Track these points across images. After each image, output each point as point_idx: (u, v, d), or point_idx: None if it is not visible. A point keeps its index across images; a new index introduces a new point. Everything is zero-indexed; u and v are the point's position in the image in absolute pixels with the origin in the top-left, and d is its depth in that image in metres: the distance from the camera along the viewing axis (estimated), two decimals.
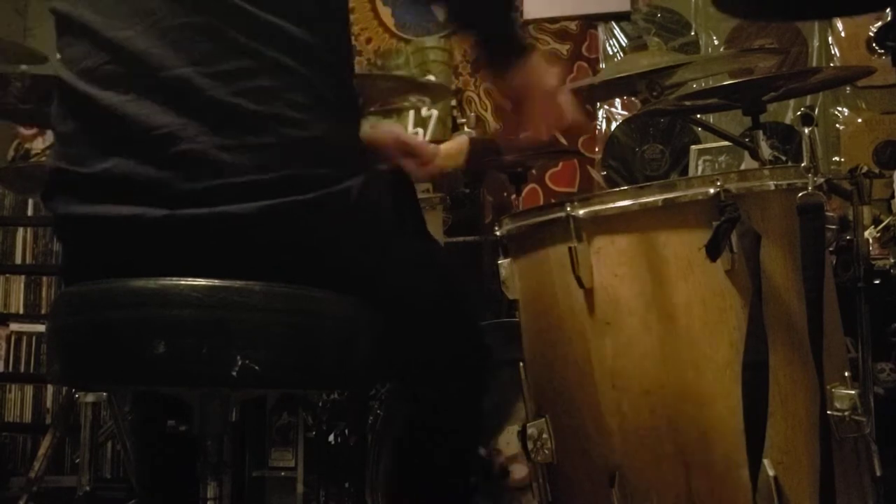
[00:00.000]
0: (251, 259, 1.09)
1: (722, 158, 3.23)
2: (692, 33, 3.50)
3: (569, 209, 1.28)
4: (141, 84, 1.09)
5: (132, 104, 1.09)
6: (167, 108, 1.08)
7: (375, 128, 1.42)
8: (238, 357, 1.03)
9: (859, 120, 3.31)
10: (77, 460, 2.93)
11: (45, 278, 3.83)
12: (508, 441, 1.71)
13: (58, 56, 1.21)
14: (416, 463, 1.38)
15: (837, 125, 3.32)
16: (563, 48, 3.59)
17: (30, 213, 3.89)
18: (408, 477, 1.39)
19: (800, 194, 1.23)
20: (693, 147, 3.32)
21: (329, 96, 1.15)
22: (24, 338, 3.79)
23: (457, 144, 1.61)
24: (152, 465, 1.46)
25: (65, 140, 1.16)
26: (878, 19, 3.06)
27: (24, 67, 2.61)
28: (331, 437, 2.21)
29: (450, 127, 3.55)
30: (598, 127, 3.53)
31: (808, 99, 3.18)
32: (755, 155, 1.83)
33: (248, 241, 1.09)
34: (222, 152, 1.07)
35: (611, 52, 3.54)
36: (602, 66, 3.50)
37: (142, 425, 1.49)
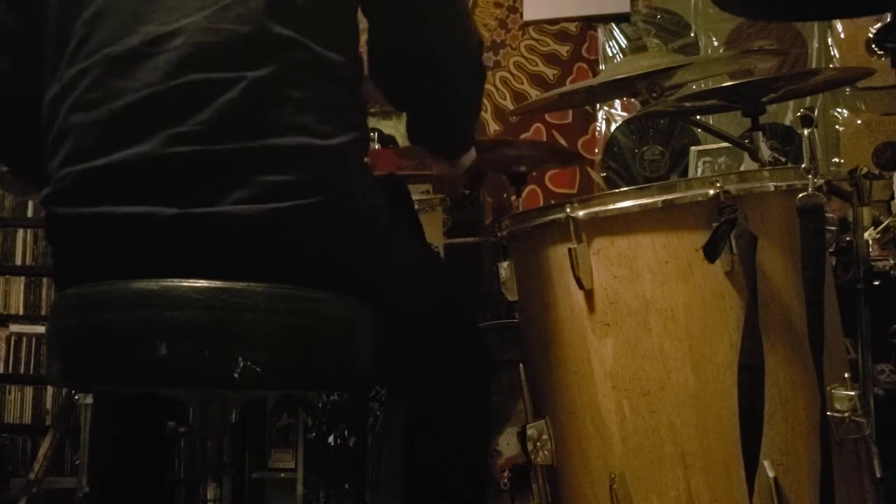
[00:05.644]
0: (257, 260, 1.09)
1: (722, 160, 3.23)
2: (692, 34, 3.50)
3: (569, 210, 1.28)
4: (160, 79, 1.10)
5: (149, 98, 1.09)
6: (186, 105, 1.08)
7: None
8: (240, 358, 1.03)
9: (859, 121, 3.31)
10: (77, 461, 2.93)
11: (45, 279, 3.82)
12: (508, 442, 1.71)
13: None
14: (422, 470, 1.37)
15: (837, 126, 3.31)
16: (563, 49, 3.59)
17: (30, 214, 3.89)
18: (415, 485, 1.38)
19: (800, 195, 1.23)
20: (693, 148, 3.31)
21: (341, 108, 1.18)
22: (24, 339, 3.79)
23: None
24: (116, 465, 1.44)
25: (79, 132, 1.14)
26: (877, 21, 3.06)
27: None
28: (331, 439, 2.21)
29: None
30: (598, 128, 3.53)
31: (808, 100, 3.17)
32: (755, 156, 1.82)
33: (254, 242, 1.09)
34: (236, 154, 1.08)
35: (610, 54, 3.54)
36: (602, 67, 3.50)
37: (106, 425, 1.48)
